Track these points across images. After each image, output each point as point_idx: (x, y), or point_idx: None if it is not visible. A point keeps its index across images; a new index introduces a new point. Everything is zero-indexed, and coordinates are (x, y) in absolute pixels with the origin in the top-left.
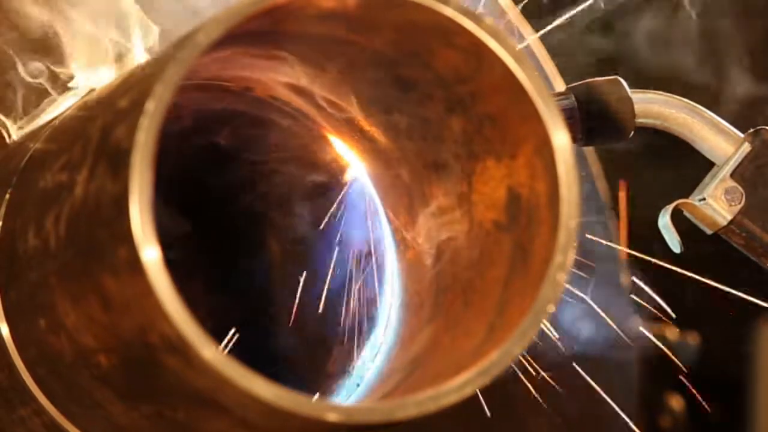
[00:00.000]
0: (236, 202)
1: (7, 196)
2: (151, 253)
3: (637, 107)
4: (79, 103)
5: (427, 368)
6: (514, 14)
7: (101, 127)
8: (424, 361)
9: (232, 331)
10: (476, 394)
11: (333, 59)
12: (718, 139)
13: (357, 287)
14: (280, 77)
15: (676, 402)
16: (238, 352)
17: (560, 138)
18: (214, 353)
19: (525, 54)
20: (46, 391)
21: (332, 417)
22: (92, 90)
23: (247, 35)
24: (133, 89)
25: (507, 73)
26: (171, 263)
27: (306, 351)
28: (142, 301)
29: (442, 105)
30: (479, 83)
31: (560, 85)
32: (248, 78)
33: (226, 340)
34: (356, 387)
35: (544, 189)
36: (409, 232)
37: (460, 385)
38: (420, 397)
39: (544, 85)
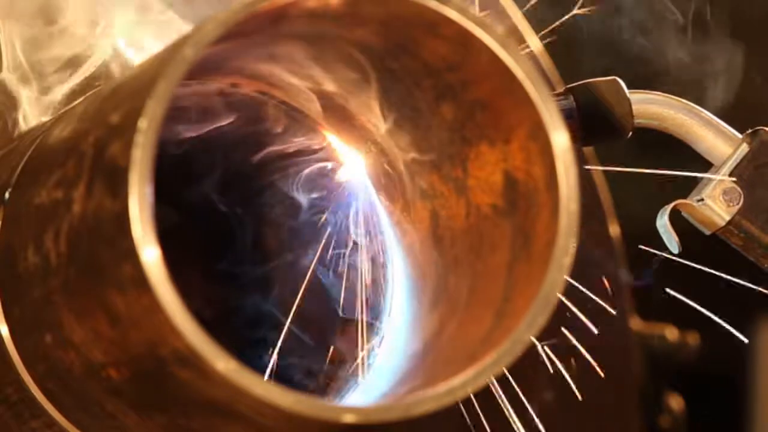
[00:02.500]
0: (233, 197)
1: (1, 212)
2: (156, 270)
3: (635, 107)
4: (63, 115)
5: (437, 356)
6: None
7: (94, 143)
8: (433, 349)
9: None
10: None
11: (321, 55)
12: (716, 140)
13: (358, 275)
14: (268, 74)
15: (676, 402)
16: (240, 346)
17: (554, 121)
18: (227, 365)
19: (512, 40)
20: (56, 404)
21: (349, 418)
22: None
23: (236, 38)
24: (124, 104)
25: (494, 59)
26: (167, 256)
27: (310, 340)
28: (150, 317)
29: (431, 93)
30: (468, 70)
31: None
32: (236, 75)
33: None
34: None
35: (541, 172)
36: (406, 217)
37: (474, 375)
38: (435, 392)
39: (533, 69)
